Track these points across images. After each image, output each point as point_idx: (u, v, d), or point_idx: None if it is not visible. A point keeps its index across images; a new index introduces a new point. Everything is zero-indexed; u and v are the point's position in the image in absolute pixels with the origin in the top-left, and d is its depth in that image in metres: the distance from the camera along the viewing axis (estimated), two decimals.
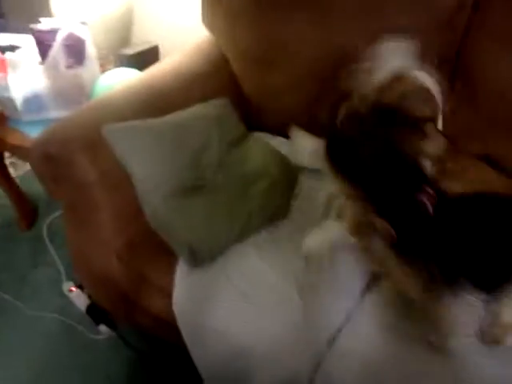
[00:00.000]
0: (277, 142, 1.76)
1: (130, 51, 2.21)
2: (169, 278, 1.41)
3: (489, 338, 1.13)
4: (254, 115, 1.88)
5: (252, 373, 1.28)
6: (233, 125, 1.69)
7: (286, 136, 1.80)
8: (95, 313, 1.78)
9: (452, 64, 1.53)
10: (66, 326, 1.93)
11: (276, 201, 1.50)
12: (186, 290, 1.38)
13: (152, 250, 1.50)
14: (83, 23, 1.99)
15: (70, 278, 1.95)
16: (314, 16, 1.65)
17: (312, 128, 1.69)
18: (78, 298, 1.82)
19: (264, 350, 1.25)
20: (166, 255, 1.44)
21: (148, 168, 1.46)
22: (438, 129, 1.10)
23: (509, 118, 1.44)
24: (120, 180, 1.45)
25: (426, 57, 1.49)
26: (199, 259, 1.38)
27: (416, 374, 1.14)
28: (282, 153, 1.68)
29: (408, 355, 1.15)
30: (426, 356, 1.13)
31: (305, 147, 1.69)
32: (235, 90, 1.87)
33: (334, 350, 1.21)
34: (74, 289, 1.84)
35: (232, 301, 1.32)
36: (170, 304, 1.39)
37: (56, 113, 1.94)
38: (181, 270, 1.40)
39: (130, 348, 1.76)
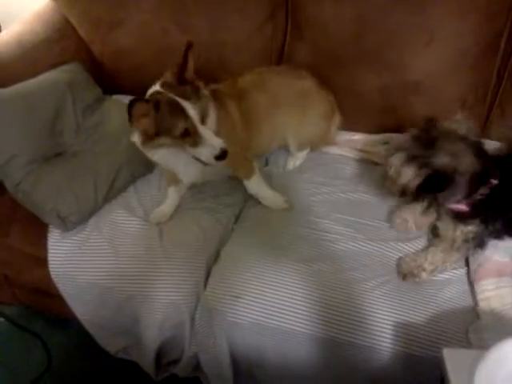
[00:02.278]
0: None
1: None
2: (42, 248, 1.42)
3: None
4: (109, 78, 1.88)
5: (138, 316, 1.36)
6: (87, 89, 1.68)
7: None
8: None
9: (285, 7, 1.66)
10: None
11: (138, 157, 1.54)
12: (60, 254, 1.40)
13: (21, 224, 1.49)
14: None
15: None
16: None
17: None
18: None
19: (140, 292, 1.33)
20: (35, 226, 1.44)
21: (0, 141, 1.42)
22: None
23: (332, 50, 1.62)
24: None
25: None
26: (69, 224, 1.41)
27: None
28: None
29: None
30: None
31: None
32: (85, 54, 1.85)
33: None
34: None
35: (103, 251, 1.39)
36: (48, 273, 1.41)
37: None
38: (52, 237, 1.42)
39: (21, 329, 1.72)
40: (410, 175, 1.12)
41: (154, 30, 1.75)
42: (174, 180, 1.49)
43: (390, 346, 1.18)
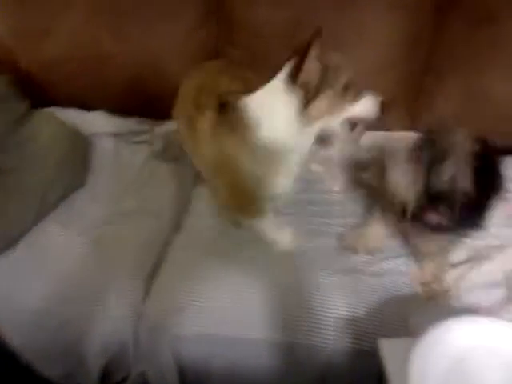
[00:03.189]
0: (67, 115, 1.73)
1: None
2: None
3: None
4: (39, 90, 1.81)
5: (78, 338, 1.30)
6: (14, 102, 1.61)
7: (78, 107, 1.79)
8: None
9: (217, 11, 1.65)
10: None
11: (70, 172, 1.50)
12: None
13: None
14: None
15: None
16: None
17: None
18: None
19: (78, 313, 1.28)
20: None
21: None
22: None
23: (265, 53, 1.61)
24: None
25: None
26: None
27: None
28: (73, 124, 1.66)
29: None
30: None
31: None
32: (12, 66, 1.77)
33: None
34: None
35: (35, 273, 1.33)
36: None
37: None
38: None
39: None
40: (413, 194, 1.09)
41: (85, 38, 1.70)
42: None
43: (339, 342, 1.17)
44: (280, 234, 1.34)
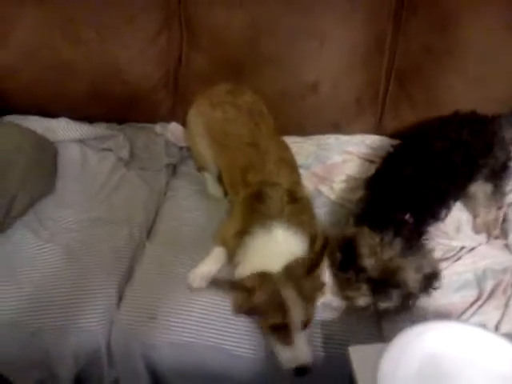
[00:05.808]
0: (29, 123, 1.69)
1: None
2: None
3: None
4: None
5: (49, 348, 1.28)
6: None
7: (41, 115, 1.75)
8: None
9: (178, 16, 1.65)
10: None
11: (37, 179, 1.47)
12: None
13: None
14: None
15: None
16: None
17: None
18: None
19: (48, 323, 1.26)
20: None
21: None
22: None
23: (227, 57, 1.63)
24: None
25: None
26: None
27: None
28: (38, 131, 1.64)
29: None
30: None
31: None
32: None
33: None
34: None
35: (3, 283, 1.30)
36: None
37: None
38: None
39: None
40: None
41: (40, 46, 1.67)
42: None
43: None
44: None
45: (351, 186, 1.54)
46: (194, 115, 1.49)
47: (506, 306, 1.21)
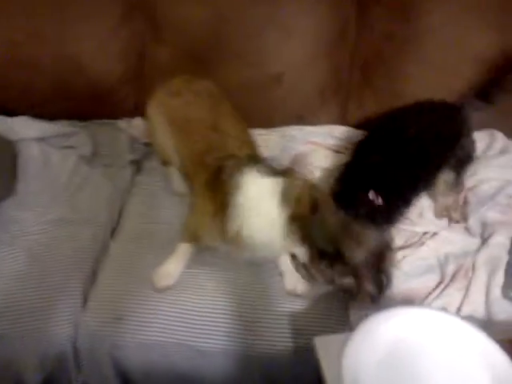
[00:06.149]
0: None
1: None
2: None
3: None
4: None
5: (13, 356, 1.25)
6: None
7: (0, 113, 1.70)
8: None
9: (140, 9, 1.62)
10: None
11: None
12: None
13: None
14: None
15: None
16: None
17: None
18: None
19: (10, 329, 1.23)
20: None
21: None
22: None
23: (192, 50, 1.61)
24: None
25: None
26: None
27: None
28: None
29: None
30: None
31: None
32: None
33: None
34: None
35: None
36: None
37: None
38: None
39: None
40: None
41: (1, 42, 1.61)
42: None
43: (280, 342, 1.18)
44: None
45: (319, 176, 1.54)
46: (154, 107, 1.46)
47: (467, 288, 1.23)
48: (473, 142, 1.45)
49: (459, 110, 1.43)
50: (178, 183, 1.50)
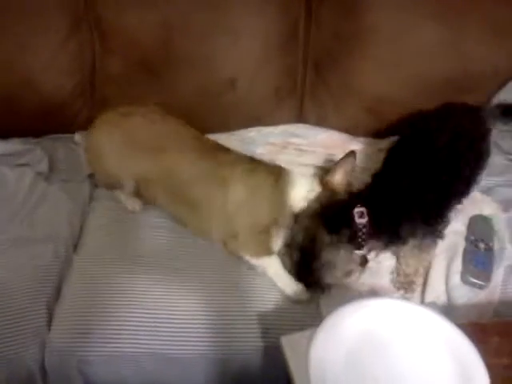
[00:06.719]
0: None
1: None
2: None
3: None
4: None
5: None
6: None
7: None
8: None
9: (86, 19, 1.60)
10: None
11: None
12: None
13: None
14: None
15: None
16: None
17: None
18: None
19: None
20: None
21: None
22: None
23: (142, 59, 1.61)
24: None
25: None
26: None
27: None
28: None
29: None
30: None
31: None
32: None
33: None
34: None
35: None
36: None
37: None
38: None
39: None
40: None
41: None
42: None
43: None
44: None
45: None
46: (103, 132, 1.44)
47: (429, 276, 1.26)
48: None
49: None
50: (131, 202, 1.48)
